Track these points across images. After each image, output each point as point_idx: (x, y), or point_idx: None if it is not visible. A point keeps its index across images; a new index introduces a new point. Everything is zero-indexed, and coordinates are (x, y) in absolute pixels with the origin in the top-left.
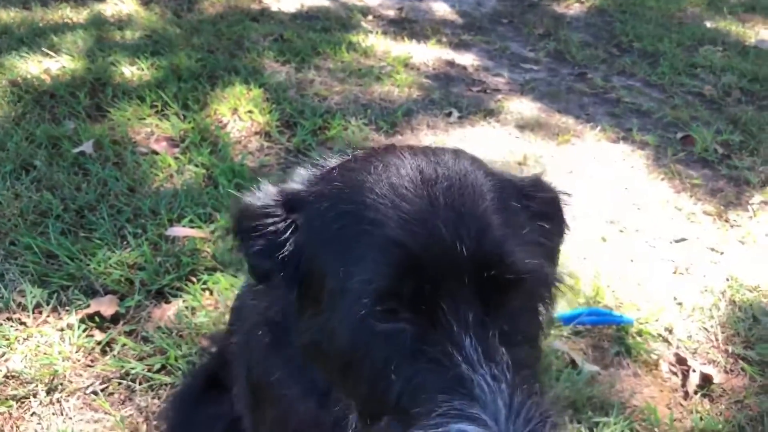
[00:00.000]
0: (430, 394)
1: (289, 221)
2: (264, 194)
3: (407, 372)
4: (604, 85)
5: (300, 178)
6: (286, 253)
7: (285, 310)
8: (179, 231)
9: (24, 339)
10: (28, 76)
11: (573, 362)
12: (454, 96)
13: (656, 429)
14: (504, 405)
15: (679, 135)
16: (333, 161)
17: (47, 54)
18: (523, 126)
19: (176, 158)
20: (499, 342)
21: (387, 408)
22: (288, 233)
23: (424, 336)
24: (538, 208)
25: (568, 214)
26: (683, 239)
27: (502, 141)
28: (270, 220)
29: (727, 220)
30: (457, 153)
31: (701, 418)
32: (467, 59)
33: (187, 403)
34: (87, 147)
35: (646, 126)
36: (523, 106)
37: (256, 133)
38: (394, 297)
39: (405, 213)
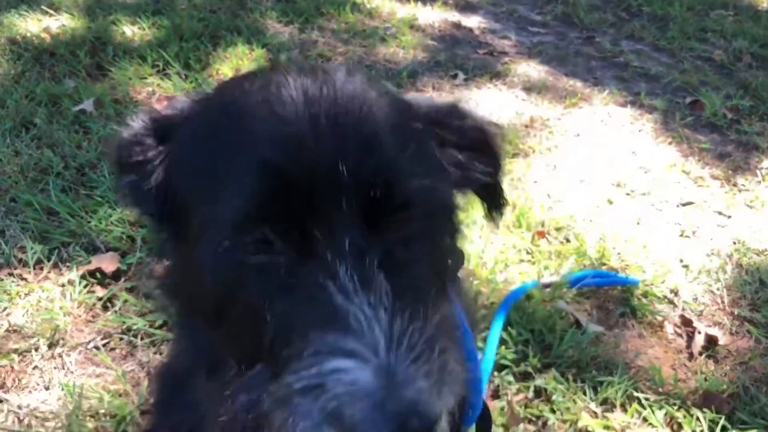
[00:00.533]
0: (302, 331)
1: (158, 150)
2: (136, 124)
3: (280, 310)
4: (613, 49)
5: (176, 105)
6: (153, 186)
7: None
8: None
9: (25, 294)
10: (28, 35)
11: (577, 323)
12: (460, 58)
13: (660, 389)
14: (382, 333)
15: (688, 100)
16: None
17: (47, 12)
18: (530, 89)
19: None
20: (385, 269)
21: (261, 353)
22: (157, 163)
23: (296, 267)
24: (456, 139)
25: (501, 146)
26: (690, 203)
27: (508, 104)
28: (138, 149)
29: (735, 185)
30: (351, 70)
31: (705, 379)
32: (473, 21)
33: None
34: (87, 105)
35: (654, 90)
36: (531, 69)
37: None
38: (263, 224)
39: (280, 131)
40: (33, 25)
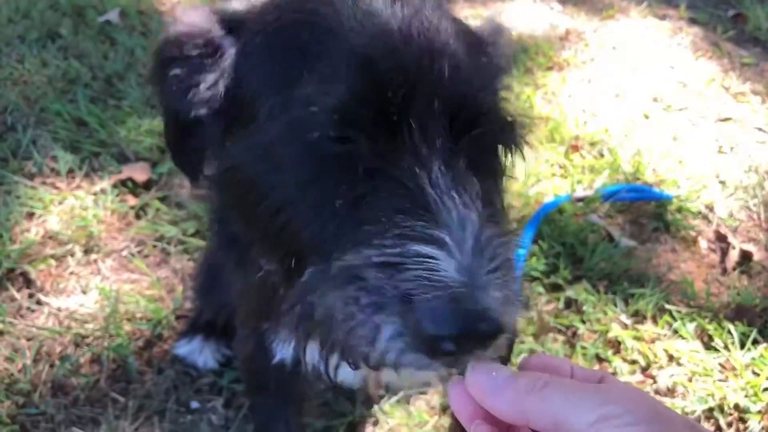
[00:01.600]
0: (387, 215)
1: (223, 43)
2: (194, 16)
3: (358, 191)
4: None
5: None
6: (213, 81)
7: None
8: None
9: (59, 202)
10: None
11: (610, 236)
12: None
13: (692, 302)
14: (472, 235)
15: (731, 13)
16: None
17: None
18: (566, 0)
19: None
20: (472, 173)
21: (319, 244)
22: (219, 56)
23: (385, 155)
24: (497, 59)
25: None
26: (729, 118)
27: (543, 15)
28: (197, 41)
29: None
30: None
31: (738, 294)
32: None
33: (210, 267)
34: (112, 16)
35: (695, 3)
36: None
37: None
38: (357, 113)
39: (376, 27)
40: None
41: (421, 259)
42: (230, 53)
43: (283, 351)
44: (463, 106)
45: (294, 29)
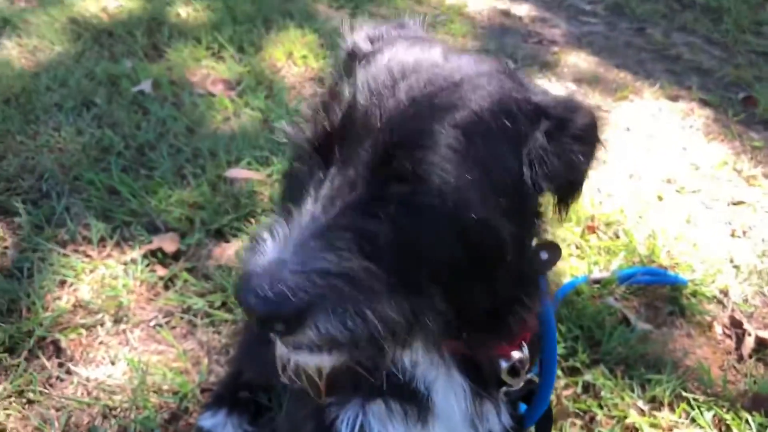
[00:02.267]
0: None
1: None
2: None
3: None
4: (664, 41)
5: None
6: None
7: None
8: (238, 173)
9: (90, 271)
10: (87, 14)
11: (626, 320)
12: (509, 47)
13: (709, 389)
14: (303, 235)
15: (741, 95)
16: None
17: None
18: (580, 80)
19: (233, 101)
20: (364, 203)
21: None
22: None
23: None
24: (563, 130)
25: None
26: (741, 202)
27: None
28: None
29: None
30: (452, 50)
31: (755, 382)
32: (523, 10)
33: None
34: (146, 86)
35: (706, 85)
36: (580, 60)
37: (311, 78)
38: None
39: (359, 80)
40: (91, 4)
41: (259, 240)
42: None
43: (348, 428)
44: (392, 160)
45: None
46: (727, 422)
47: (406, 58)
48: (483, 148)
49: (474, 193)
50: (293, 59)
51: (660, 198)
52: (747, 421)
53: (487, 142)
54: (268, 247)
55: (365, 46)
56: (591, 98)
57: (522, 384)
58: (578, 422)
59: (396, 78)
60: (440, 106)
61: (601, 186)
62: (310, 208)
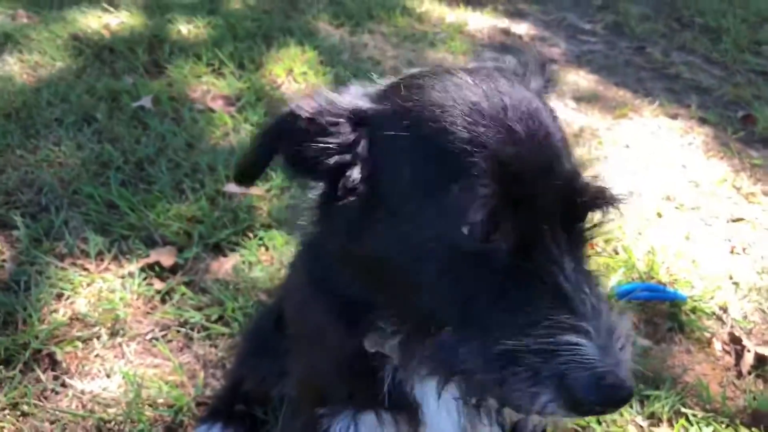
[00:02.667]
0: (531, 307)
1: (354, 135)
2: (323, 101)
3: (498, 287)
4: (663, 60)
5: (356, 92)
6: (336, 163)
7: (329, 226)
8: (236, 188)
9: (87, 284)
10: (89, 31)
11: None
12: None
13: (708, 406)
14: (606, 322)
15: (740, 114)
16: (386, 81)
17: (107, 9)
18: (580, 98)
19: (232, 117)
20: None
21: (454, 320)
22: (352, 145)
23: (521, 254)
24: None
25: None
26: (741, 219)
27: (557, 113)
28: (326, 129)
29: None
30: (505, 75)
31: (754, 398)
32: (523, 28)
33: (257, 335)
34: (146, 102)
35: (705, 103)
36: (580, 79)
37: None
38: (499, 213)
39: (497, 132)
40: (93, 21)
41: (572, 347)
42: (363, 144)
43: None
44: (576, 203)
45: (435, 140)
46: None
47: (500, 94)
48: None
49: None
50: (293, 75)
51: (659, 215)
52: None
53: None
54: (616, 343)
55: None
56: (591, 116)
57: None
58: None
59: (522, 119)
60: (559, 132)
61: None
62: (585, 294)
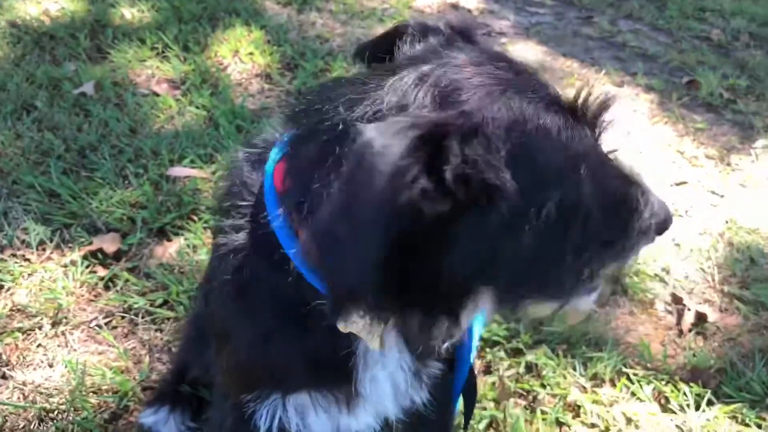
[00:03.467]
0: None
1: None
2: None
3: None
4: (611, 30)
5: None
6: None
7: None
8: (180, 171)
9: (28, 275)
10: (27, 17)
11: None
12: None
13: (649, 364)
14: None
15: (685, 79)
16: None
17: None
18: None
19: (177, 100)
20: None
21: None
22: None
23: None
24: None
25: None
26: (684, 182)
27: None
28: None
29: (729, 164)
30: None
31: (694, 355)
32: (472, 2)
33: (195, 320)
34: (88, 88)
35: (651, 70)
36: (528, 50)
37: (257, 75)
38: None
39: None
40: (32, 7)
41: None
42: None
43: (266, 422)
44: None
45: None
46: (666, 394)
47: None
48: None
49: None
50: (239, 56)
51: None
52: (684, 393)
53: None
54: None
55: None
56: None
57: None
58: (521, 402)
59: None
60: None
61: None
62: None
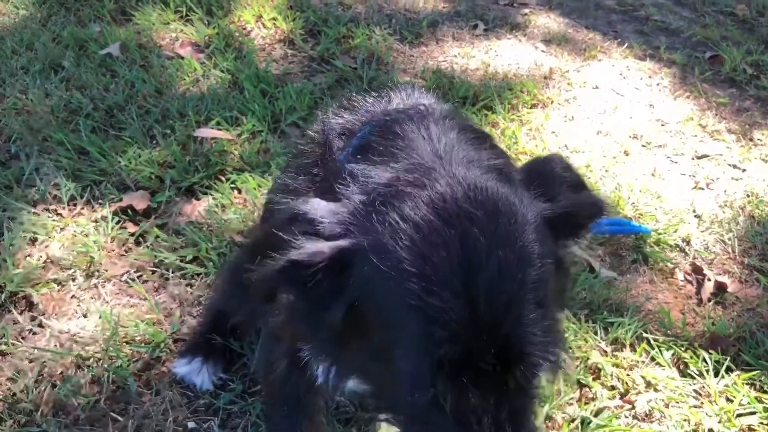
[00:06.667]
0: None
1: (340, 276)
2: (309, 251)
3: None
4: (634, 3)
5: (329, 215)
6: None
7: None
8: (207, 132)
9: (61, 228)
10: None
11: (591, 267)
12: (480, 8)
13: (669, 331)
14: None
15: (708, 54)
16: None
17: None
18: (550, 41)
19: (202, 63)
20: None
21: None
22: (344, 280)
23: (462, 417)
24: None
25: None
26: (705, 155)
27: (528, 55)
28: (323, 266)
29: (751, 139)
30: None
31: (713, 323)
32: None
33: (238, 269)
34: (113, 49)
35: (674, 45)
36: (551, 21)
37: (280, 40)
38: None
39: (460, 307)
40: None
41: None
42: (347, 277)
43: (323, 376)
44: (514, 371)
45: (398, 287)
46: (686, 360)
47: (470, 248)
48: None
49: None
50: (263, 21)
51: (626, 153)
52: (704, 359)
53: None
54: None
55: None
56: (560, 58)
57: None
58: None
59: (490, 281)
60: (528, 296)
61: (569, 142)
62: None
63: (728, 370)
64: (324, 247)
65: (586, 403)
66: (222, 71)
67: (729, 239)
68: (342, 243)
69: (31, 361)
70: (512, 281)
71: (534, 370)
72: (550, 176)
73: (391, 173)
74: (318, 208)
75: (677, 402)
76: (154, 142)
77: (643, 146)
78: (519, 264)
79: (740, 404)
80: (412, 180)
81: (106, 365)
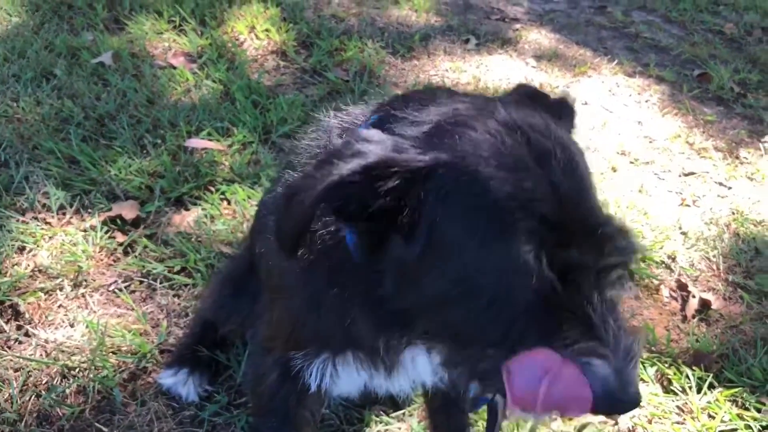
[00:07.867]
0: (565, 335)
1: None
2: (387, 157)
3: (539, 318)
4: (624, 20)
5: (397, 138)
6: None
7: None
8: (197, 143)
9: (49, 237)
10: None
11: None
12: (472, 23)
13: (653, 347)
14: (625, 350)
15: (696, 72)
16: (420, 116)
17: None
18: (540, 56)
19: (194, 73)
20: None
21: (496, 343)
22: (417, 196)
23: (560, 291)
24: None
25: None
26: (692, 173)
27: (518, 70)
28: (398, 173)
29: (737, 157)
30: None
31: (697, 340)
32: None
33: (233, 278)
34: (106, 58)
35: (663, 62)
36: (541, 37)
37: (273, 51)
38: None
39: (542, 189)
40: None
41: (594, 367)
42: (424, 195)
43: (316, 380)
44: (606, 253)
45: (484, 196)
46: (669, 377)
47: (542, 150)
48: None
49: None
50: (255, 32)
51: (614, 169)
52: (687, 376)
53: None
54: (630, 364)
55: None
56: (551, 73)
57: None
58: None
59: (563, 179)
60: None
61: None
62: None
63: (711, 386)
64: (407, 155)
65: (570, 419)
66: (214, 82)
67: (714, 256)
68: (423, 156)
69: (16, 371)
70: (582, 168)
71: (628, 251)
72: (535, 97)
73: (445, 108)
74: (376, 133)
75: (660, 418)
76: (145, 151)
77: (631, 162)
78: (581, 156)
79: (722, 421)
80: (467, 112)
81: (91, 375)
